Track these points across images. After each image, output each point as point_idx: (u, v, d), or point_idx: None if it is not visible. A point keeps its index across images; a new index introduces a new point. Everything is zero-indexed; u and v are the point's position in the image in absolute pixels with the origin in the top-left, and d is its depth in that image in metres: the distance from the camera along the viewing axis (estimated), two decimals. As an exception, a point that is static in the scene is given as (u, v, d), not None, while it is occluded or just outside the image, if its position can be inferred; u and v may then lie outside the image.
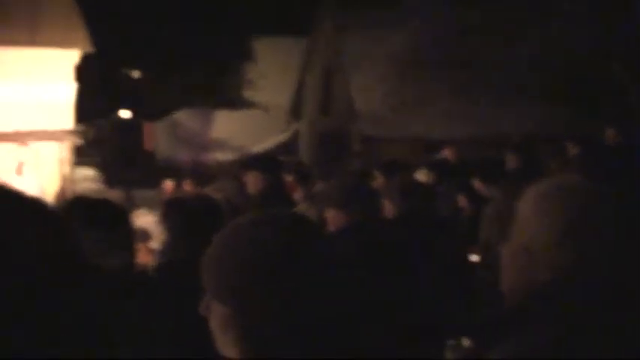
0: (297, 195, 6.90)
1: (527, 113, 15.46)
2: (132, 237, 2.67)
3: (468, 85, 16.23)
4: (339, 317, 1.29)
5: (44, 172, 11.47)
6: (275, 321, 1.24)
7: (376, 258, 3.17)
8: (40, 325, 0.87)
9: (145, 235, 5.45)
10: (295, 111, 23.08)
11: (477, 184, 5.42)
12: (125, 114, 29.51)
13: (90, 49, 12.15)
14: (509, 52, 16.42)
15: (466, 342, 3.41)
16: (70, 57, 12.18)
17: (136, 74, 34.87)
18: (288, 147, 22.22)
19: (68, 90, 12.25)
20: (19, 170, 10.96)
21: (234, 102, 29.33)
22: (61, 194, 11.89)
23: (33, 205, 0.93)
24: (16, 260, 0.85)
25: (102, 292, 1.33)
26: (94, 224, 2.44)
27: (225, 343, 1.30)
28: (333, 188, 3.59)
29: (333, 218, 3.38)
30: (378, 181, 6.10)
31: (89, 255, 2.30)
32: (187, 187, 9.74)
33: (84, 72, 12.61)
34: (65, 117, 12.08)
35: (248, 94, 29.81)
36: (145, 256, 4.77)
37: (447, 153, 9.17)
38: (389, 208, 4.23)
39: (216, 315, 1.30)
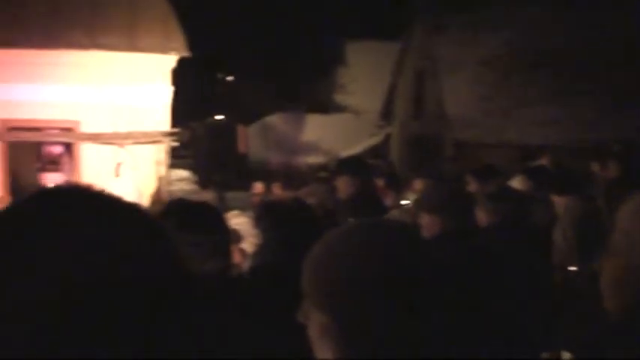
0: (388, 199, 6.83)
1: (627, 119, 14.86)
2: (229, 241, 2.68)
3: (565, 89, 15.74)
4: (444, 324, 1.25)
5: (141, 174, 11.79)
6: (379, 330, 1.21)
7: (470, 266, 3.07)
8: (154, 340, 0.84)
9: (237, 237, 5.50)
10: (386, 115, 22.96)
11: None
12: (219, 117, 30.09)
13: (186, 53, 12.42)
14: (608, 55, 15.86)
15: (566, 355, 3.28)
16: (167, 61, 12.47)
17: (230, 78, 35.54)
18: (378, 151, 22.11)
19: (165, 93, 12.55)
20: (116, 171, 11.32)
21: (326, 106, 29.46)
22: (157, 195, 12.19)
23: (138, 212, 0.89)
24: (133, 273, 0.82)
25: (202, 299, 1.32)
26: (192, 228, 2.45)
27: (323, 350, 1.27)
28: (429, 193, 3.51)
29: (428, 224, 3.30)
30: (472, 186, 5.96)
31: (187, 260, 2.32)
32: (277, 190, 9.82)
33: (180, 76, 12.90)
34: (161, 120, 12.39)
35: (339, 97, 29.88)
36: (237, 258, 4.81)
37: (544, 160, 8.92)
38: (481, 216, 4.12)
39: (315, 323, 1.27)
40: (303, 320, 1.31)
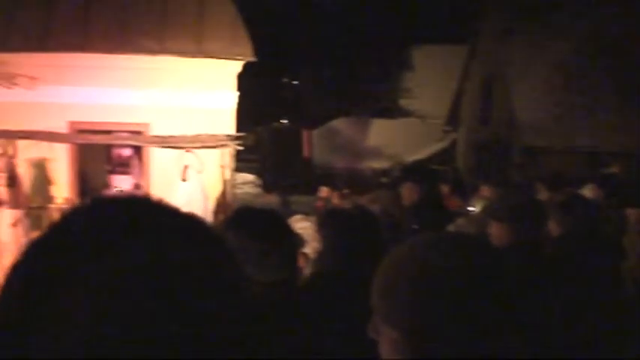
0: (454, 206, 6.71)
1: None
2: (296, 251, 2.65)
3: (638, 94, 15.26)
4: (518, 342, 1.20)
5: (207, 177, 11.92)
6: (452, 348, 1.16)
7: (542, 279, 2.97)
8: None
9: (300, 242, 5.48)
10: (452, 120, 22.71)
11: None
12: (284, 121, 30.29)
13: (252, 58, 12.51)
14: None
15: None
16: (234, 66, 12.59)
17: (295, 83, 35.75)
18: (444, 156, 21.87)
19: (230, 98, 12.68)
20: (184, 175, 11.47)
21: (391, 110, 29.34)
22: (222, 198, 12.31)
23: (196, 224, 0.87)
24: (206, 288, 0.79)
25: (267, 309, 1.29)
26: (260, 238, 2.43)
27: None
28: (500, 202, 3.40)
29: (498, 233, 3.19)
30: (541, 194, 5.81)
31: (253, 267, 2.31)
32: (342, 195, 9.78)
33: (246, 81, 13.01)
34: (227, 124, 12.51)
35: (405, 102, 29.72)
36: (300, 262, 4.79)
37: (615, 168, 8.65)
38: (552, 226, 3.98)
39: (386, 339, 1.23)
40: (374, 335, 1.28)
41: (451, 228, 4.25)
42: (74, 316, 0.73)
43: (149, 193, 12.25)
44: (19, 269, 0.79)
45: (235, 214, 2.73)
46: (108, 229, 0.79)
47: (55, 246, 0.79)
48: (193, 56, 12.26)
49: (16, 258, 0.81)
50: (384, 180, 16.04)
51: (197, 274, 0.79)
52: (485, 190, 7.13)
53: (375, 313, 1.27)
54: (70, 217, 0.84)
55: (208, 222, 0.94)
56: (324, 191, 10.38)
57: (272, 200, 18.87)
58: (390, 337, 1.23)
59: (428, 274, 1.20)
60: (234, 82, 12.74)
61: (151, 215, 0.85)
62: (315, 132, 25.80)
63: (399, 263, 1.26)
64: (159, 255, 0.78)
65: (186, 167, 11.59)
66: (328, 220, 3.14)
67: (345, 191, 9.80)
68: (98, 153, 14.44)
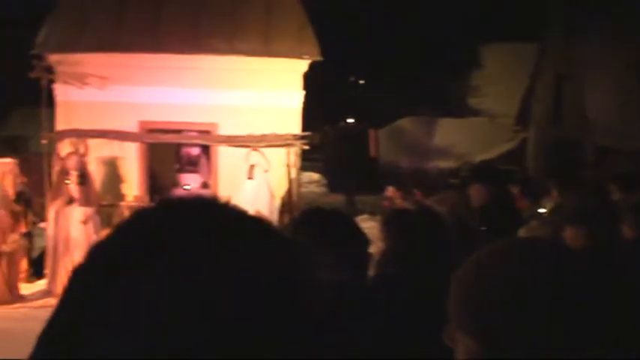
0: (524, 207, 6.55)
1: None
2: (366, 252, 2.62)
3: None
4: (605, 348, 1.15)
5: (273, 176, 11.99)
6: (532, 358, 1.11)
7: (619, 285, 2.84)
8: None
9: (368, 242, 5.43)
10: (522, 119, 22.26)
11: None
12: (350, 120, 30.25)
13: (319, 57, 12.53)
14: None
15: None
16: (300, 66, 12.63)
17: (362, 82, 35.69)
18: (514, 156, 21.45)
19: (297, 97, 12.72)
20: (250, 174, 11.55)
21: (459, 109, 28.99)
22: (288, 197, 12.36)
23: (263, 227, 0.84)
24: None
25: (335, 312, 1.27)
26: (329, 240, 2.40)
27: None
28: (574, 204, 3.28)
29: (573, 236, 3.08)
30: (615, 195, 5.61)
31: (322, 268, 2.28)
32: (408, 195, 9.67)
33: (312, 80, 13.03)
34: (293, 123, 12.56)
35: (473, 101, 29.32)
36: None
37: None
38: (625, 228, 3.82)
39: (462, 347, 1.19)
40: (449, 342, 1.24)
41: (523, 231, 4.14)
42: (134, 318, 0.71)
43: (216, 191, 12.40)
44: (82, 271, 0.78)
45: (304, 214, 2.70)
46: (173, 232, 0.77)
47: (118, 249, 0.77)
48: (261, 56, 12.34)
49: (81, 259, 0.80)
50: (451, 180, 15.84)
51: (263, 278, 0.76)
52: (556, 192, 6.95)
53: (450, 320, 1.24)
54: (135, 219, 0.82)
55: (274, 223, 0.92)
56: (390, 191, 10.28)
57: (337, 200, 18.87)
58: (467, 346, 1.19)
59: (507, 282, 1.15)
60: (300, 82, 12.78)
61: (218, 217, 0.82)
62: (382, 131, 25.70)
63: (478, 269, 1.22)
64: (223, 258, 0.75)
65: (252, 166, 11.67)
66: (392, 221, 3.08)
67: (411, 191, 9.68)
68: (167, 152, 14.69)
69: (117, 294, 0.72)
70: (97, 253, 0.79)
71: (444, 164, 23.64)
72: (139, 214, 0.82)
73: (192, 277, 0.73)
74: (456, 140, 25.27)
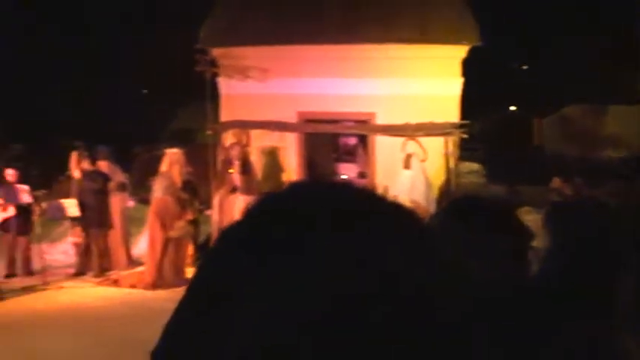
0: None
1: None
2: (526, 245, 2.44)
3: None
4: None
5: (430, 165, 11.80)
6: None
7: None
8: None
9: (531, 235, 5.18)
10: None
11: None
12: (512, 108, 29.32)
13: (478, 43, 12.16)
14: None
15: None
16: (458, 52, 12.32)
17: (525, 68, 34.48)
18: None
19: (455, 84, 12.42)
20: (407, 163, 11.41)
21: (631, 96, 27.29)
22: (446, 187, 12.11)
23: (411, 219, 0.79)
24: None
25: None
26: (486, 229, 2.25)
27: None
28: None
29: None
30: None
31: (478, 262, 2.14)
32: (575, 186, 9.17)
33: (471, 66, 12.68)
34: (452, 111, 12.28)
35: (647, 87, 27.51)
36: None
37: None
38: None
39: None
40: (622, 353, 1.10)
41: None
42: (283, 299, 0.69)
43: (373, 181, 12.38)
44: (211, 259, 0.77)
45: (457, 202, 2.56)
46: (307, 221, 0.73)
47: (248, 237, 0.74)
48: (418, 43, 12.15)
49: (210, 247, 0.79)
50: (621, 171, 14.92)
51: (408, 279, 0.71)
52: None
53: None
54: (266, 204, 0.79)
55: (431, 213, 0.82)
56: (556, 182, 9.81)
57: (498, 190, 18.32)
58: None
59: None
60: (459, 68, 12.48)
61: (363, 209, 0.77)
62: (546, 120, 24.70)
63: None
64: (365, 255, 0.71)
65: (409, 155, 11.53)
66: (555, 214, 2.85)
67: (579, 182, 9.17)
68: (325, 142, 14.84)
69: (263, 274, 0.70)
70: (227, 239, 0.76)
71: (614, 154, 22.37)
72: (270, 199, 0.79)
73: (323, 272, 0.69)
74: (627, 128, 23.84)
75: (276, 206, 0.77)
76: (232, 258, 0.73)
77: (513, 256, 2.31)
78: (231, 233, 0.76)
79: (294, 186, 0.81)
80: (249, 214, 0.77)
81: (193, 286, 0.76)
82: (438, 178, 12.08)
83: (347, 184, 0.80)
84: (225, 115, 12.74)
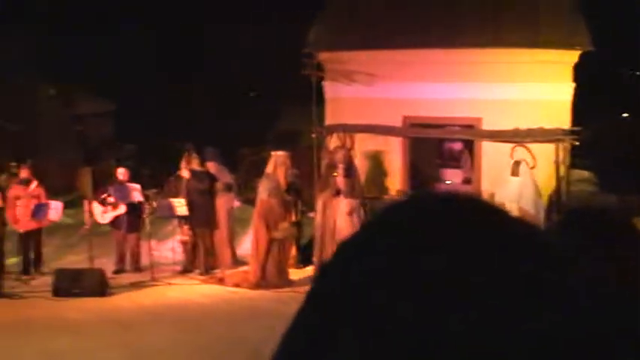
0: None
1: None
2: (637, 260, 2.32)
3: None
4: None
5: (540, 173, 11.46)
6: None
7: None
8: None
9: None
10: None
11: None
12: (626, 115, 28.17)
13: (590, 47, 11.75)
14: None
15: None
16: (570, 57, 11.93)
17: (638, 73, 33.05)
18: None
19: (566, 90, 12.04)
20: (514, 170, 11.11)
21: None
22: (556, 196, 11.73)
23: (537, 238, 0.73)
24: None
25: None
26: (597, 242, 2.16)
27: None
28: None
29: None
30: None
31: (592, 280, 2.06)
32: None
33: (583, 72, 12.26)
34: (562, 117, 11.89)
35: None
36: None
37: None
38: None
39: None
40: None
41: None
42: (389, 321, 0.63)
43: (479, 188, 12.15)
44: (330, 271, 0.72)
45: (571, 214, 2.46)
46: (424, 233, 0.69)
47: (368, 249, 0.71)
48: (529, 47, 11.84)
49: (328, 260, 0.74)
50: None
51: (519, 293, 0.65)
52: None
53: None
54: (386, 217, 0.75)
55: (540, 223, 0.78)
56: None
57: (610, 200, 17.63)
58: None
59: None
60: (570, 73, 12.09)
61: (474, 221, 0.73)
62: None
63: None
64: (472, 267, 0.65)
65: (517, 162, 11.24)
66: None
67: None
68: (430, 146, 14.70)
69: (380, 294, 0.65)
70: (346, 252, 0.72)
71: None
72: (391, 211, 0.74)
73: (436, 281, 0.64)
74: None
75: (384, 222, 0.73)
76: (338, 272, 0.71)
77: (626, 270, 2.21)
78: (343, 247, 0.73)
79: (415, 197, 0.77)
80: (364, 227, 0.74)
81: (310, 297, 0.75)
82: (548, 186, 11.72)
83: (472, 198, 0.77)
84: (330, 118, 12.82)
